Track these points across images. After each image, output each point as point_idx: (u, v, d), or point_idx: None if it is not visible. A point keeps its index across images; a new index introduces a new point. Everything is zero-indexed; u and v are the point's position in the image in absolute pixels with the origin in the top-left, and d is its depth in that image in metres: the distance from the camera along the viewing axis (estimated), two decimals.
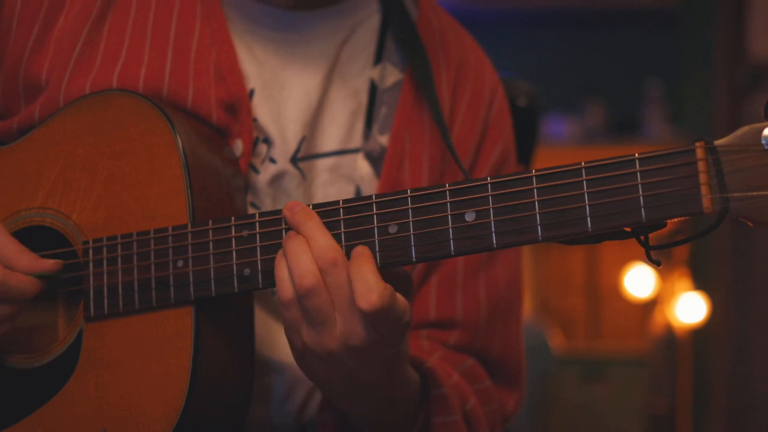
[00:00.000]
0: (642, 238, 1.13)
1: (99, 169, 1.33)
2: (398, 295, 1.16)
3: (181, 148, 1.29)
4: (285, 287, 1.18)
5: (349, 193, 1.43)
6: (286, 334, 1.22)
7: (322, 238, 1.17)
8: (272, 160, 1.41)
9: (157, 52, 1.39)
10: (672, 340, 4.76)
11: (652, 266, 1.10)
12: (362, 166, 1.44)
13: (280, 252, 1.19)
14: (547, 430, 5.03)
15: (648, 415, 4.96)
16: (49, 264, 1.29)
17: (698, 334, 4.84)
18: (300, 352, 1.21)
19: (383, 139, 1.44)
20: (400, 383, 1.27)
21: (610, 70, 6.00)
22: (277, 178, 1.41)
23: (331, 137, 1.44)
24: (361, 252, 1.16)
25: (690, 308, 4.65)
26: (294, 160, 1.42)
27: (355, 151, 1.44)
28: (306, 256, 1.16)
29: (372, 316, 1.13)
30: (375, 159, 1.44)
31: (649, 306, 4.89)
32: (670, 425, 4.75)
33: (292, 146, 1.42)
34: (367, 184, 1.43)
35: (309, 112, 1.43)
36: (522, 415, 4.16)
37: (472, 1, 5.73)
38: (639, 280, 4.77)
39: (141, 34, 1.40)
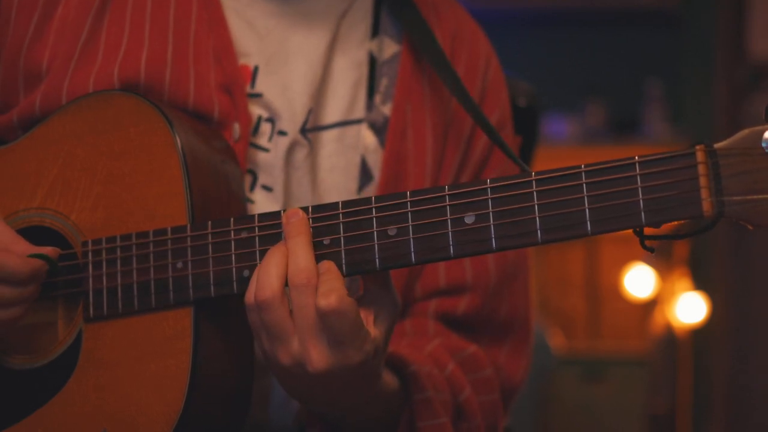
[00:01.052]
0: (637, 228, 1.13)
1: (98, 169, 1.33)
2: (370, 323, 1.20)
3: (180, 149, 1.29)
4: (249, 291, 1.20)
5: (355, 163, 1.44)
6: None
7: (303, 257, 1.18)
8: (282, 133, 1.41)
9: (158, 40, 1.39)
10: (672, 340, 4.75)
11: (646, 254, 1.11)
12: (367, 136, 1.44)
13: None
14: (547, 430, 5.03)
15: (648, 415, 4.95)
16: (45, 250, 1.29)
17: (698, 334, 4.84)
18: (263, 352, 1.23)
19: (386, 109, 1.45)
20: (367, 397, 1.27)
21: (611, 70, 6.00)
22: (290, 151, 1.41)
23: (335, 109, 1.44)
24: (330, 266, 1.18)
25: (690, 308, 4.65)
26: (303, 131, 1.42)
27: (358, 121, 1.45)
28: (275, 270, 1.18)
29: (329, 317, 1.15)
30: (379, 129, 1.45)
31: (649, 306, 4.89)
32: (670, 425, 4.75)
33: (300, 118, 1.42)
34: (373, 155, 1.44)
35: (314, 84, 1.43)
36: (522, 415, 4.16)
37: (473, 1, 5.73)
38: (639, 280, 4.77)
39: (140, 24, 1.40)
